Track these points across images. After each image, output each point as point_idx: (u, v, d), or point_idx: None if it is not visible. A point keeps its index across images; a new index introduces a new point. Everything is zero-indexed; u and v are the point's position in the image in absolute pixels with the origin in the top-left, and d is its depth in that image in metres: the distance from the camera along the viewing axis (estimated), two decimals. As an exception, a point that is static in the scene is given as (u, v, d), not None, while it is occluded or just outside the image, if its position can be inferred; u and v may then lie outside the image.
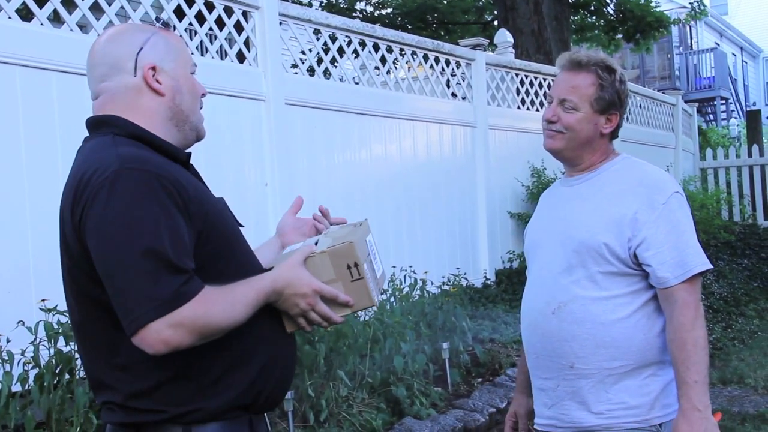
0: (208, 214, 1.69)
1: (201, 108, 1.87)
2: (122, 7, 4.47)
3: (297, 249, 1.85)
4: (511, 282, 7.52)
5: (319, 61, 6.13)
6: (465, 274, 6.78)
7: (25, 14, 4.18)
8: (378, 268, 1.93)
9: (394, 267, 5.75)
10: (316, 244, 1.84)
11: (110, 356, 1.66)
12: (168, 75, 1.78)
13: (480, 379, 5.17)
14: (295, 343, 1.87)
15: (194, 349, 1.62)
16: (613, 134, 2.33)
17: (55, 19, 4.31)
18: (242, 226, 1.92)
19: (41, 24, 4.07)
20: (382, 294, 1.90)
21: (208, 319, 1.59)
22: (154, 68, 1.76)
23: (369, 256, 1.86)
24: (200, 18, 5.02)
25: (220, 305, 1.61)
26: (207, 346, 1.64)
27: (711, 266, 2.20)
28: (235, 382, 1.70)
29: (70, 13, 4.20)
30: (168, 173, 1.63)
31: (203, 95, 1.87)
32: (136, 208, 1.57)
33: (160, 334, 1.54)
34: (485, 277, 7.51)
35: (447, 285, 6.24)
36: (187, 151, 1.83)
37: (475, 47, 8.02)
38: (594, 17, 15.62)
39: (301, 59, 6.03)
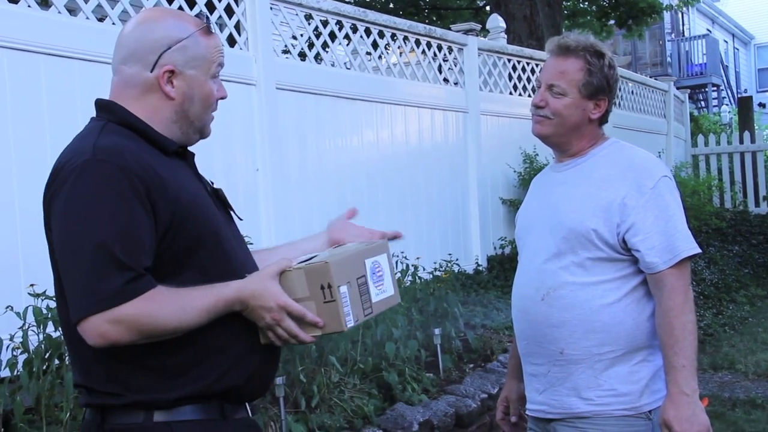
0: (180, 207, 1.67)
1: (215, 110, 1.85)
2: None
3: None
4: (503, 268, 7.52)
5: (311, 45, 6.09)
6: (457, 260, 6.77)
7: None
8: (382, 291, 1.88)
9: (385, 253, 5.73)
10: (311, 258, 1.80)
11: (78, 341, 1.66)
12: (184, 81, 1.76)
13: (472, 365, 5.17)
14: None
15: (157, 342, 1.62)
16: (602, 120, 2.32)
17: (43, 2, 4.26)
18: (241, 219, 1.90)
19: (29, 6, 4.02)
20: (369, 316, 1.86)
21: (151, 319, 1.58)
22: (172, 71, 1.74)
23: (363, 278, 1.81)
24: (190, 1, 4.97)
25: (167, 307, 1.60)
26: (170, 340, 1.64)
27: (700, 250, 2.19)
28: (199, 376, 1.68)
29: (58, -4, 4.15)
30: (139, 166, 1.63)
31: (222, 98, 1.85)
32: (95, 201, 1.59)
33: (98, 328, 1.56)
34: (477, 263, 7.51)
35: (439, 271, 6.23)
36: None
37: (467, 32, 7.97)
38: (586, 3, 15.58)
39: (292, 44, 5.99)
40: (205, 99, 1.80)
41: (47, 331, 3.28)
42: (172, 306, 1.60)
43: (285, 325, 1.70)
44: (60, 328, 3.22)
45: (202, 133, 1.85)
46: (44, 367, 3.23)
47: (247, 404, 1.82)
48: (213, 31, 1.81)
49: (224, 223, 1.82)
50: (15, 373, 3.22)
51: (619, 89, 10.68)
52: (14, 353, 3.26)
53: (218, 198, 1.86)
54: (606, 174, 2.23)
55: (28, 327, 3.26)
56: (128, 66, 1.76)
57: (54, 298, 3.23)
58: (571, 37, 2.31)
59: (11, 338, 3.27)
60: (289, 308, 1.69)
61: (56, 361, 3.27)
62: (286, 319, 1.69)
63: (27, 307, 3.29)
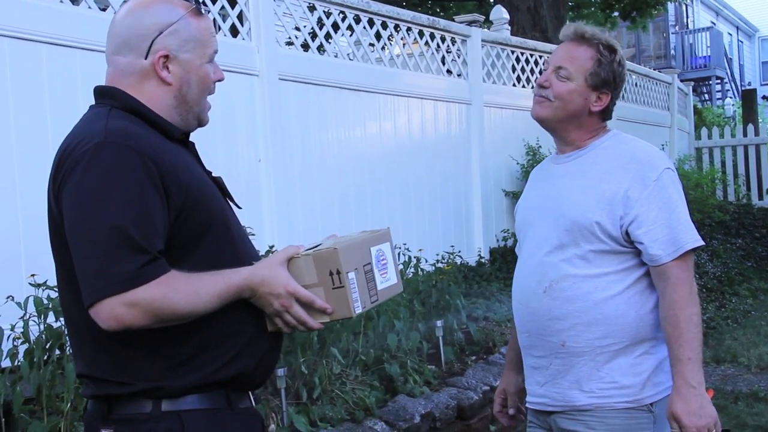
0: (191, 191, 1.67)
1: (212, 93, 1.84)
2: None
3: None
4: (505, 260, 7.51)
5: (314, 36, 6.06)
6: (459, 251, 6.75)
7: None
8: (386, 279, 1.89)
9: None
10: (317, 246, 1.81)
11: (84, 329, 1.66)
12: (180, 65, 1.74)
13: (474, 357, 5.16)
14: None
15: (166, 328, 1.62)
16: (605, 114, 2.31)
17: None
18: (240, 207, 1.90)
19: (30, -5, 4.01)
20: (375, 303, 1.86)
21: (166, 303, 1.57)
22: (167, 56, 1.73)
23: (369, 266, 1.82)
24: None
25: (181, 292, 1.59)
26: (179, 326, 1.63)
27: (703, 243, 2.19)
28: (207, 363, 1.68)
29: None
30: (152, 150, 1.63)
31: (219, 80, 1.84)
32: (110, 183, 1.57)
33: (114, 310, 1.54)
34: (479, 255, 7.49)
35: (441, 263, 6.21)
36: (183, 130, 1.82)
37: (470, 24, 7.95)
38: (590, -6, 15.52)
39: (295, 34, 5.97)
40: (202, 82, 1.79)
41: (48, 321, 3.28)
42: (186, 291, 1.60)
43: (293, 312, 1.71)
44: (62, 318, 3.25)
45: (200, 120, 1.84)
46: (45, 358, 3.23)
47: (250, 393, 1.82)
48: (203, 12, 1.80)
49: (229, 210, 1.82)
50: (16, 363, 3.22)
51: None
52: (15, 343, 3.26)
53: (218, 186, 1.86)
54: (608, 166, 2.22)
55: (29, 317, 3.26)
56: (122, 56, 1.74)
57: (56, 288, 3.26)
58: (589, 27, 2.32)
59: (12, 328, 3.27)
60: (298, 294, 1.70)
61: (57, 352, 3.26)
62: (295, 306, 1.71)
63: (28, 298, 3.29)
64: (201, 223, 1.69)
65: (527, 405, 2.38)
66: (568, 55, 2.26)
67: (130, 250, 1.54)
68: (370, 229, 2.01)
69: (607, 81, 2.26)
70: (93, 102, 1.80)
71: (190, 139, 1.86)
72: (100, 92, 1.78)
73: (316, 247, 1.80)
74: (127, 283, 1.54)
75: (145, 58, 1.73)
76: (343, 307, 1.73)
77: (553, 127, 2.32)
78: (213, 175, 1.87)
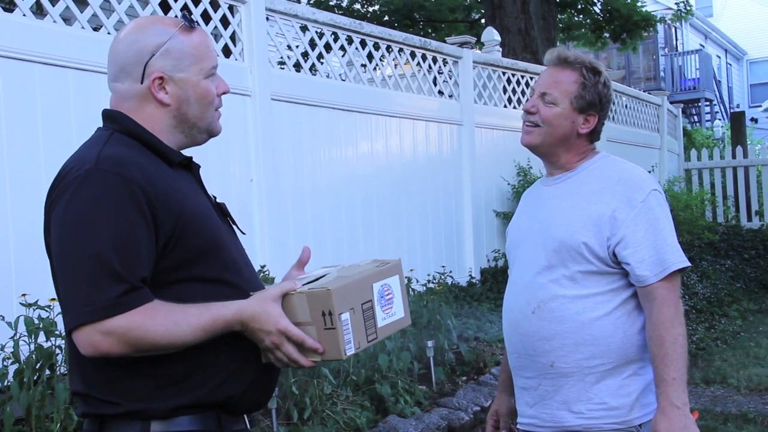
0: (182, 217, 1.67)
1: (219, 107, 1.84)
2: (107, 0, 4.42)
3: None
4: (496, 281, 7.52)
5: (306, 56, 6.10)
6: (450, 272, 6.77)
7: (8, 6, 4.13)
8: (390, 314, 1.82)
9: (379, 264, 5.73)
10: (320, 278, 1.77)
11: (77, 348, 1.66)
12: (176, 85, 1.75)
13: (465, 378, 5.16)
14: None
15: None
16: (593, 136, 2.34)
17: (38, 11, 4.26)
18: (244, 233, 1.90)
19: (24, 15, 4.02)
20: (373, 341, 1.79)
21: (143, 333, 1.57)
22: (161, 78, 1.74)
23: (369, 303, 1.76)
24: (186, 11, 4.97)
25: (160, 322, 1.58)
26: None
27: (689, 263, 2.22)
28: (198, 385, 1.68)
29: (54, 5, 4.15)
30: (143, 176, 1.63)
31: (224, 93, 1.84)
32: (95, 211, 1.58)
33: (90, 338, 1.56)
34: (470, 275, 7.50)
35: (432, 283, 6.22)
36: (186, 155, 1.83)
37: (462, 45, 8.00)
38: (581, 16, 15.64)
39: (287, 55, 6.00)
40: (202, 98, 1.79)
41: (38, 341, 3.26)
42: (166, 321, 1.59)
43: (284, 350, 1.69)
44: (53, 338, 3.24)
45: (210, 132, 1.85)
46: (35, 378, 3.21)
47: (245, 416, 1.81)
48: (194, 27, 1.80)
49: (228, 236, 1.82)
50: (5, 383, 3.20)
51: (613, 103, 10.72)
52: (5, 363, 3.24)
53: (221, 212, 1.86)
54: (596, 188, 2.25)
55: (20, 337, 3.25)
56: (120, 82, 1.77)
57: (47, 308, 3.25)
58: (572, 51, 2.36)
59: (2, 348, 3.25)
60: (289, 333, 1.68)
61: (47, 372, 3.25)
62: (286, 344, 1.68)
63: (18, 317, 3.27)
64: (193, 250, 1.68)
65: (518, 426, 2.39)
66: (552, 79, 2.29)
67: (109, 278, 1.55)
68: (381, 259, 1.94)
69: (593, 103, 2.29)
70: (86, 121, 1.82)
71: (197, 162, 1.87)
72: (106, 116, 1.80)
73: (319, 278, 1.76)
74: (104, 311, 1.55)
75: (141, 83, 1.74)
76: (333, 348, 1.69)
77: (544, 152, 2.35)
78: (216, 200, 1.88)
